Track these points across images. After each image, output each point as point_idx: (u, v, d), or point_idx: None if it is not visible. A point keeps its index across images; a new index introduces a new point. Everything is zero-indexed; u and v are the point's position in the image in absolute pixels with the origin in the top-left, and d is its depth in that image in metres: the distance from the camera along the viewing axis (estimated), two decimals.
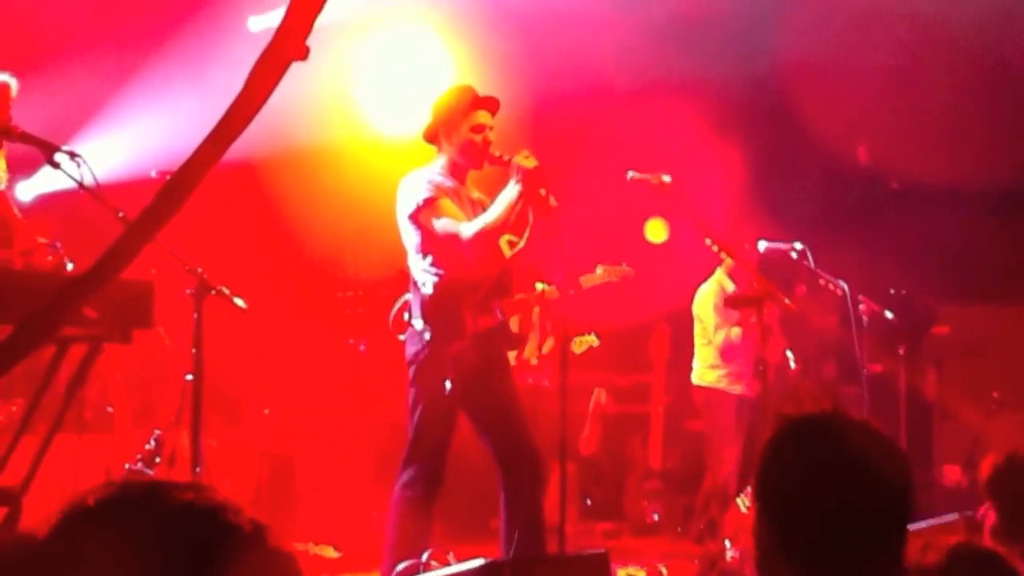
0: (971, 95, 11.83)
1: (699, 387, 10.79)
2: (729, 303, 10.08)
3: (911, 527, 2.73)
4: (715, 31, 11.54)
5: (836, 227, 12.01)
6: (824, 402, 2.86)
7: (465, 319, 7.26)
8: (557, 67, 11.35)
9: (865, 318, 10.04)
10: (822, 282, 9.94)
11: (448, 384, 7.10)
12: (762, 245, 9.80)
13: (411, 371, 7.33)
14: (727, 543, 9.69)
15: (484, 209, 7.41)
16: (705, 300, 10.76)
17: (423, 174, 7.44)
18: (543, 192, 7.31)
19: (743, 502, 9.32)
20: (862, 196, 13.18)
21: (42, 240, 6.16)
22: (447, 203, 7.32)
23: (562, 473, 7.49)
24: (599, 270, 9.15)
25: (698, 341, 10.81)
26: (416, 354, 7.27)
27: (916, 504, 2.74)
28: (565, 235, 7.45)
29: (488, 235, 7.27)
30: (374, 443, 10.17)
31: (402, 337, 7.50)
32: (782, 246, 9.82)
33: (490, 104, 7.48)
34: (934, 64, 11.87)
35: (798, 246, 9.80)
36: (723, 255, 9.30)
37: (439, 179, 7.40)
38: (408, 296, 7.51)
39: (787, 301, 9.30)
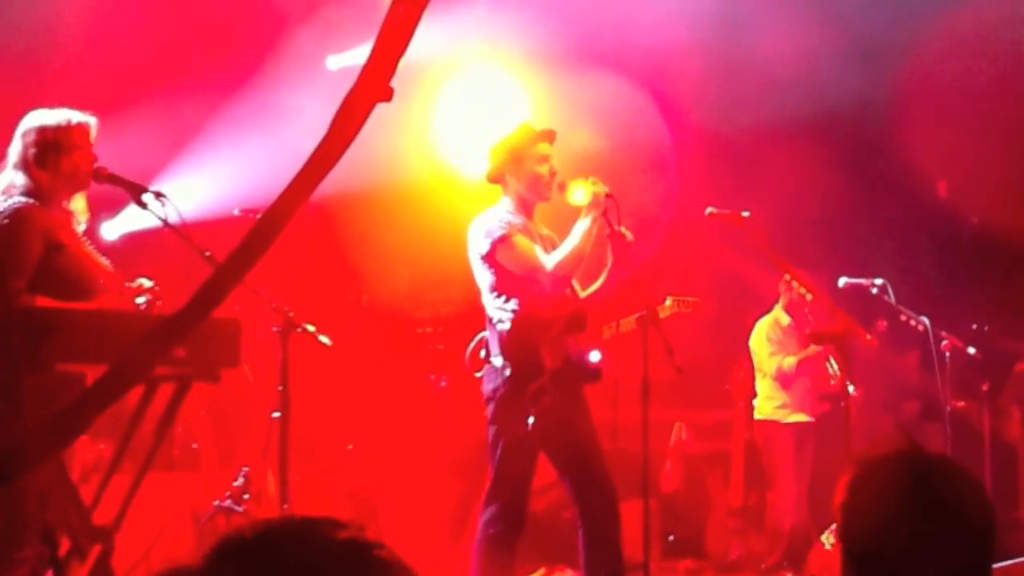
0: None
1: (759, 421, 10.83)
2: (813, 338, 10.07)
3: (995, 566, 2.71)
4: (793, 70, 11.52)
5: (917, 263, 11.95)
6: (902, 440, 2.84)
7: (543, 356, 7.27)
8: (634, 106, 11.38)
9: (947, 354, 9.96)
10: (903, 318, 9.88)
11: (531, 420, 7.11)
12: (842, 281, 9.77)
13: (490, 408, 7.34)
14: None
15: (554, 245, 7.45)
16: (758, 333, 10.82)
17: (494, 213, 7.49)
18: (619, 227, 7.37)
19: (827, 539, 9.27)
20: (942, 231, 13.07)
21: (147, 283, 6.24)
22: (521, 239, 7.36)
23: (645, 510, 7.49)
24: (668, 301, 9.16)
25: (757, 376, 10.83)
26: (495, 391, 7.29)
27: (999, 543, 2.72)
28: (643, 268, 7.49)
29: (570, 265, 7.32)
30: (456, 478, 10.19)
31: (479, 375, 7.53)
32: (862, 282, 9.77)
33: (549, 136, 7.57)
34: (1017, 99, 11.78)
35: (878, 281, 9.74)
36: (802, 291, 9.29)
37: (510, 217, 7.44)
38: (484, 334, 7.53)
39: (868, 336, 9.27)
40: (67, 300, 5.96)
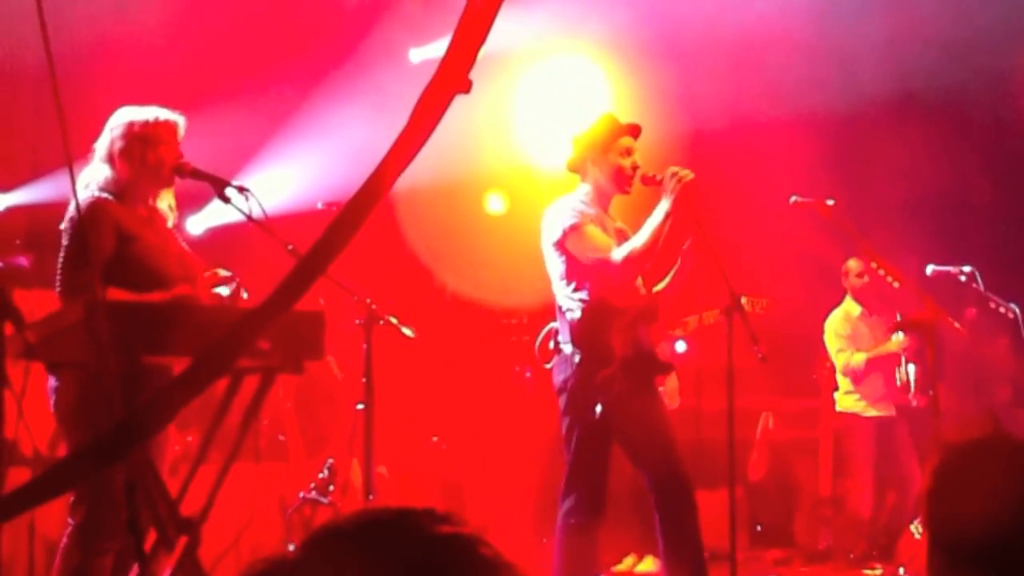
0: None
1: (839, 413, 10.78)
2: (901, 326, 10.00)
3: None
4: (882, 54, 11.41)
5: (1007, 250, 11.81)
6: (988, 427, 2.80)
7: (613, 344, 7.25)
8: (714, 95, 11.32)
9: None
10: (992, 305, 9.77)
11: (599, 408, 7.10)
12: (930, 268, 9.68)
13: (562, 399, 7.33)
14: (901, 570, 9.57)
15: (627, 239, 7.41)
16: (828, 328, 10.78)
17: (568, 202, 7.46)
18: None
19: (917, 528, 9.20)
20: None
21: (223, 272, 6.28)
22: (593, 229, 7.32)
23: (731, 499, 7.45)
24: (743, 300, 9.13)
25: (836, 366, 10.80)
26: (565, 380, 7.28)
27: None
28: (727, 258, 7.44)
29: (639, 258, 7.23)
30: (541, 469, 10.19)
31: (548, 366, 7.53)
32: (951, 269, 9.68)
33: (634, 130, 7.53)
34: None
35: (967, 269, 9.65)
36: (889, 279, 9.21)
37: (583, 207, 7.42)
38: (554, 324, 7.52)
39: (956, 325, 9.17)
40: (141, 291, 6.03)
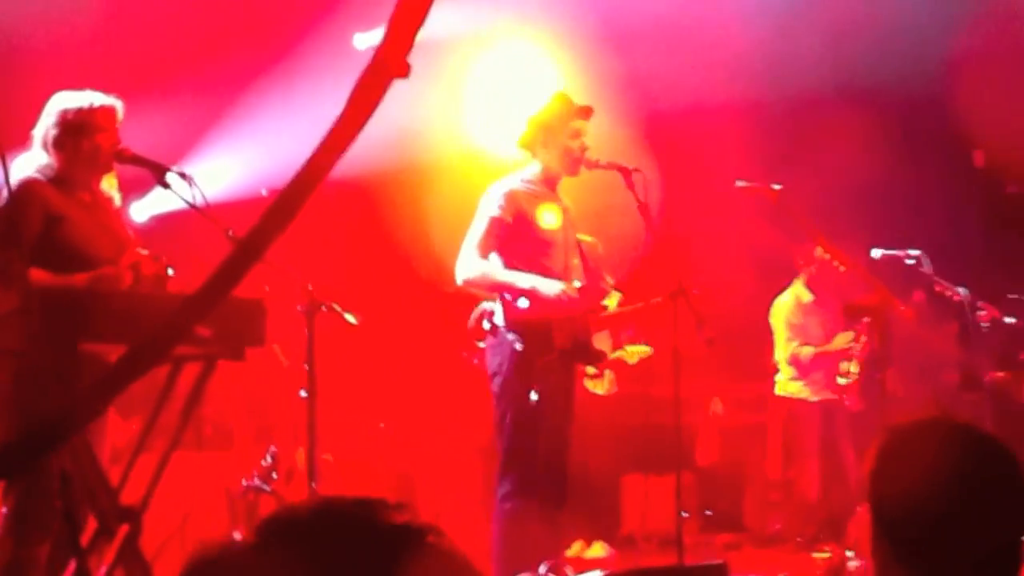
0: None
1: (783, 398, 10.80)
2: (848, 312, 10.02)
3: None
4: (828, 40, 11.44)
5: (954, 234, 11.86)
6: (931, 410, 2.83)
7: (553, 333, 7.30)
8: (664, 81, 11.32)
9: (985, 324, 9.87)
10: (940, 289, 9.80)
11: (535, 395, 7.15)
12: (877, 252, 9.69)
13: (496, 382, 7.40)
14: (850, 552, 9.60)
15: (570, 221, 7.52)
16: (777, 313, 10.79)
17: (507, 184, 7.58)
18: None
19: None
20: (979, 201, 12.97)
21: (143, 251, 6.21)
22: (494, 229, 7.45)
23: (678, 484, 7.47)
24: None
25: (776, 352, 10.81)
26: (500, 364, 7.34)
27: None
28: (673, 249, 7.48)
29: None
30: (489, 455, 10.18)
31: (482, 344, 7.56)
32: (898, 253, 9.70)
33: (586, 112, 7.58)
34: None
35: (914, 253, 9.67)
36: (836, 263, 9.22)
37: (523, 187, 7.48)
38: (487, 305, 7.55)
39: (903, 308, 9.20)
40: (67, 272, 5.97)
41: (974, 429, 2.77)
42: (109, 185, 6.50)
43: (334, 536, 1.68)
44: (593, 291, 7.77)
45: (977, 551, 2.64)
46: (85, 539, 5.35)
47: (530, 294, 7.32)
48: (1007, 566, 2.67)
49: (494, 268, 7.43)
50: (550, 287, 7.30)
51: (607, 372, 9.85)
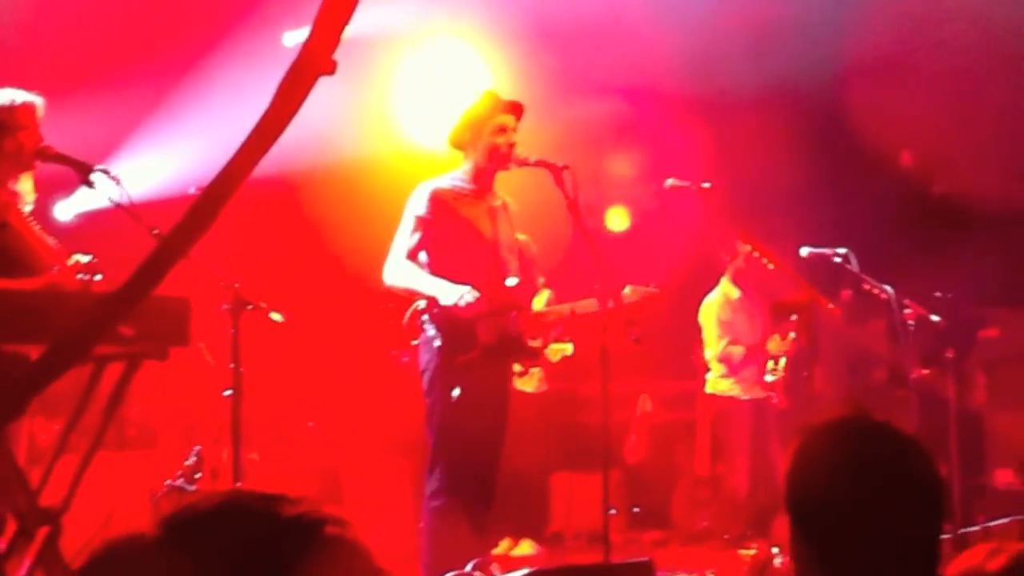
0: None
1: (713, 396, 10.81)
2: (776, 309, 10.06)
3: (967, 531, 2.70)
4: (755, 38, 11.48)
5: (881, 232, 11.93)
6: (850, 408, 2.84)
7: (477, 330, 7.30)
8: (597, 78, 11.34)
9: (911, 322, 9.93)
10: (867, 287, 9.85)
11: (456, 391, 7.15)
12: (805, 250, 9.73)
13: (424, 379, 7.40)
14: (776, 550, 9.64)
15: (507, 214, 7.50)
16: (707, 311, 10.80)
17: (432, 183, 7.58)
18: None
19: None
20: (905, 201, 13.07)
21: (84, 258, 6.13)
22: (414, 231, 7.50)
23: (604, 481, 7.47)
24: (627, 290, 9.13)
25: (706, 351, 10.84)
26: (428, 362, 7.34)
27: (965, 509, 2.71)
28: (603, 247, 7.48)
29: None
30: (418, 454, 10.15)
31: (415, 342, 7.56)
32: (825, 251, 9.74)
33: (514, 108, 7.56)
34: (987, 68, 11.75)
35: (841, 251, 9.72)
36: (764, 260, 9.26)
37: (450, 185, 7.48)
38: (421, 303, 7.54)
39: (831, 306, 9.24)
40: (9, 277, 5.89)
41: (887, 426, 2.78)
42: (26, 186, 6.41)
43: (234, 529, 1.71)
44: (526, 288, 7.76)
45: (893, 548, 2.65)
46: (4, 541, 5.29)
47: (430, 300, 7.34)
48: (926, 563, 2.68)
49: (406, 272, 7.44)
50: (448, 294, 7.29)
51: (535, 370, 9.84)
